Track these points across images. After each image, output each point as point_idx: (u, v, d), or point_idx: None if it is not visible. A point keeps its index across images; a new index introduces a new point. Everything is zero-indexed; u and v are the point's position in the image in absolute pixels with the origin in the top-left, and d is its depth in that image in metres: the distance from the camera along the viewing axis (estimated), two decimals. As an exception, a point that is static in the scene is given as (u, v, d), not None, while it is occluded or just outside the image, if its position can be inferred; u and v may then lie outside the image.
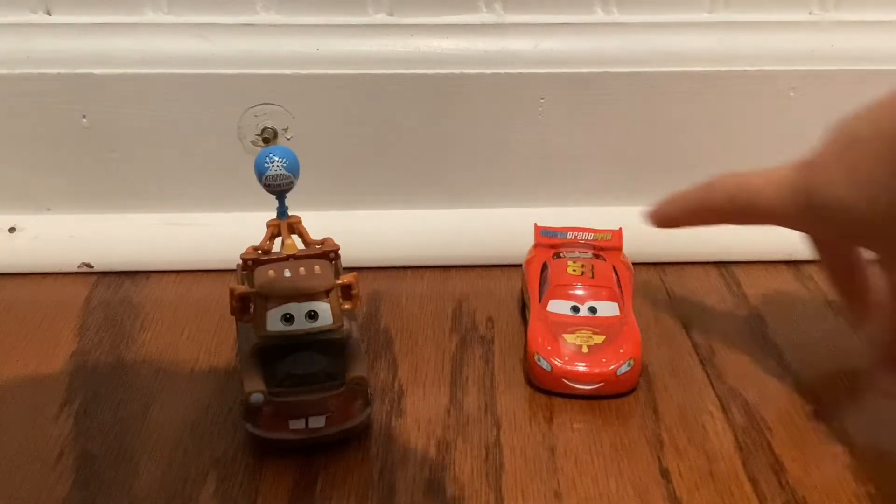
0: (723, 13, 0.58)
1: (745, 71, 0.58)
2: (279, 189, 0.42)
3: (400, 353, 0.50)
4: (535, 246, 0.55)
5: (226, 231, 0.59)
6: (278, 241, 0.44)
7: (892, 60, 0.58)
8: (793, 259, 0.59)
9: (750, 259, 0.59)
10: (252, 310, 0.42)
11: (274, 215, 0.44)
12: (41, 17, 0.57)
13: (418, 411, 0.46)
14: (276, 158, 0.42)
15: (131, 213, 0.60)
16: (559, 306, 0.49)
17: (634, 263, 0.54)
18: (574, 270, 0.51)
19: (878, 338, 0.45)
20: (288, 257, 0.43)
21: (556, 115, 0.59)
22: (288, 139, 0.58)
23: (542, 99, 0.58)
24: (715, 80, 0.58)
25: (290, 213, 0.44)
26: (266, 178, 0.42)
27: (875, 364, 0.45)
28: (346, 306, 0.43)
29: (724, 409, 0.46)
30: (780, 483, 0.41)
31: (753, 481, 0.41)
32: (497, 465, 0.42)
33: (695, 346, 0.51)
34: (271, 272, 0.42)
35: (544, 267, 0.52)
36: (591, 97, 0.58)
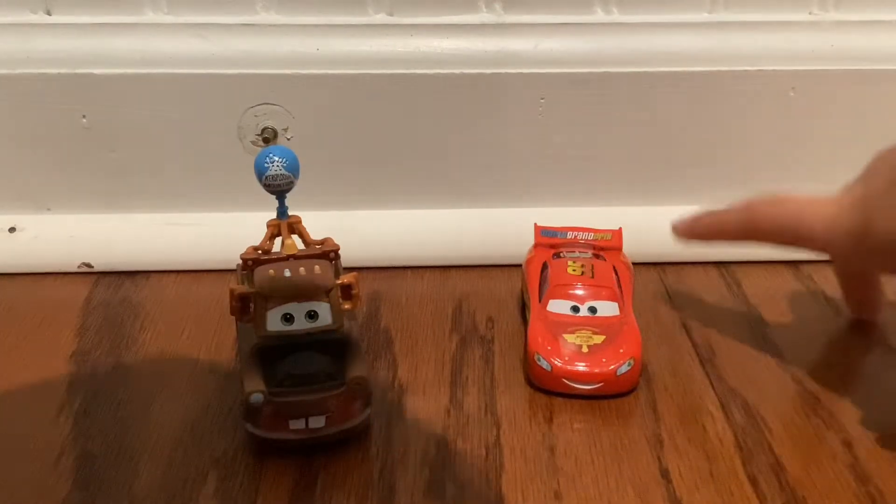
0: (723, 13, 0.58)
1: (745, 71, 0.58)
2: (279, 189, 0.42)
3: (400, 353, 0.50)
4: (535, 246, 0.55)
5: (226, 231, 0.59)
6: (278, 241, 0.44)
7: (892, 60, 0.58)
8: (793, 259, 0.59)
9: (750, 259, 0.59)
10: (252, 310, 0.42)
11: (274, 215, 0.44)
12: (41, 17, 0.57)
13: (418, 411, 0.46)
14: (276, 158, 0.42)
15: (131, 213, 0.60)
16: (559, 306, 0.49)
17: (634, 263, 0.54)
18: (574, 270, 0.51)
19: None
20: (288, 257, 0.43)
21: (556, 115, 0.59)
22: (288, 139, 0.58)
23: (542, 99, 0.58)
24: (715, 80, 0.58)
25: (290, 213, 0.44)
26: (266, 178, 0.42)
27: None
28: (346, 306, 0.43)
29: (724, 409, 0.46)
30: (780, 483, 0.41)
31: (753, 481, 0.41)
32: (497, 465, 0.42)
33: (695, 346, 0.51)
34: (271, 272, 0.42)
35: (544, 267, 0.52)
36: (591, 97, 0.58)
